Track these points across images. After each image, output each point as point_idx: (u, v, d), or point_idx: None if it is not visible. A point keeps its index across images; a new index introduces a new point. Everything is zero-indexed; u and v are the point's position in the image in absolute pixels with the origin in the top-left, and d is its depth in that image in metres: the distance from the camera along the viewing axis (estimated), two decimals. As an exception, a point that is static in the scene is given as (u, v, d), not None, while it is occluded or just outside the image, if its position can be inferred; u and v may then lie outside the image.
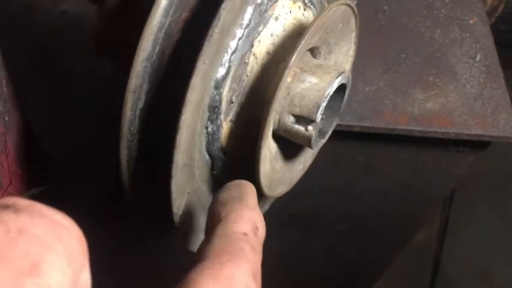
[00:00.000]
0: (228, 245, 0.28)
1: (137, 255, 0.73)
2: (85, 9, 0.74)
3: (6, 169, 0.44)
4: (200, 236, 0.42)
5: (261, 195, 0.41)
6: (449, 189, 1.12)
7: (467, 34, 0.84)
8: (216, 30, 0.32)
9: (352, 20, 0.44)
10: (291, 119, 0.40)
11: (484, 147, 0.81)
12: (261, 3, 0.37)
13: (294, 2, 0.41)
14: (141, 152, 0.37)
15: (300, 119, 0.39)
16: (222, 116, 0.38)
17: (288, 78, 0.39)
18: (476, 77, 0.80)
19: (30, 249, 0.18)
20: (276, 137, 0.42)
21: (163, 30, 0.34)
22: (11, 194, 0.45)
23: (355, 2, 0.43)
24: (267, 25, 0.38)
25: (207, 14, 0.33)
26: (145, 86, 0.35)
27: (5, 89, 0.43)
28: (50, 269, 0.18)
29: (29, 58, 0.70)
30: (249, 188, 0.33)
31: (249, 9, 0.37)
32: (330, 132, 0.44)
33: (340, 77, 0.40)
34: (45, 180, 0.50)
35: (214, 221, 0.31)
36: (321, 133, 0.43)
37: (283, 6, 0.40)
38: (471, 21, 0.86)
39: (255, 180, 0.39)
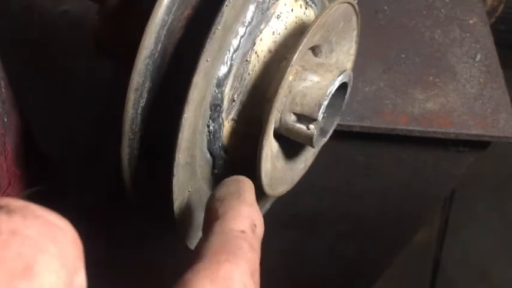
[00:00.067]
0: (225, 244, 0.27)
1: (137, 255, 0.73)
2: (85, 9, 0.74)
3: (5, 170, 0.43)
4: (200, 235, 0.42)
5: (262, 194, 0.41)
6: (449, 189, 1.12)
7: (467, 34, 0.84)
8: (218, 28, 0.32)
9: (354, 19, 0.44)
10: (293, 117, 0.40)
11: (484, 147, 0.81)
12: (263, 1, 0.37)
13: (296, 1, 0.41)
14: (142, 150, 0.37)
15: (302, 117, 0.39)
16: (223, 115, 0.38)
17: (289, 77, 0.39)
18: (476, 77, 0.80)
19: (23, 250, 0.17)
20: (278, 135, 0.42)
21: (166, 28, 0.34)
22: (10, 195, 0.45)
23: (355, 2, 0.43)
24: (269, 23, 0.38)
25: (210, 11, 0.33)
26: (148, 84, 0.35)
27: (3, 90, 0.43)
28: (43, 271, 0.17)
29: (29, 58, 0.70)
30: (247, 184, 0.32)
31: (251, 7, 0.37)
32: (331, 131, 0.44)
33: (341, 76, 0.39)
34: (45, 180, 0.50)
35: (211, 217, 0.30)
36: (323, 132, 0.43)
37: (285, 4, 0.40)
38: (471, 21, 0.86)
39: (256, 179, 0.38)
